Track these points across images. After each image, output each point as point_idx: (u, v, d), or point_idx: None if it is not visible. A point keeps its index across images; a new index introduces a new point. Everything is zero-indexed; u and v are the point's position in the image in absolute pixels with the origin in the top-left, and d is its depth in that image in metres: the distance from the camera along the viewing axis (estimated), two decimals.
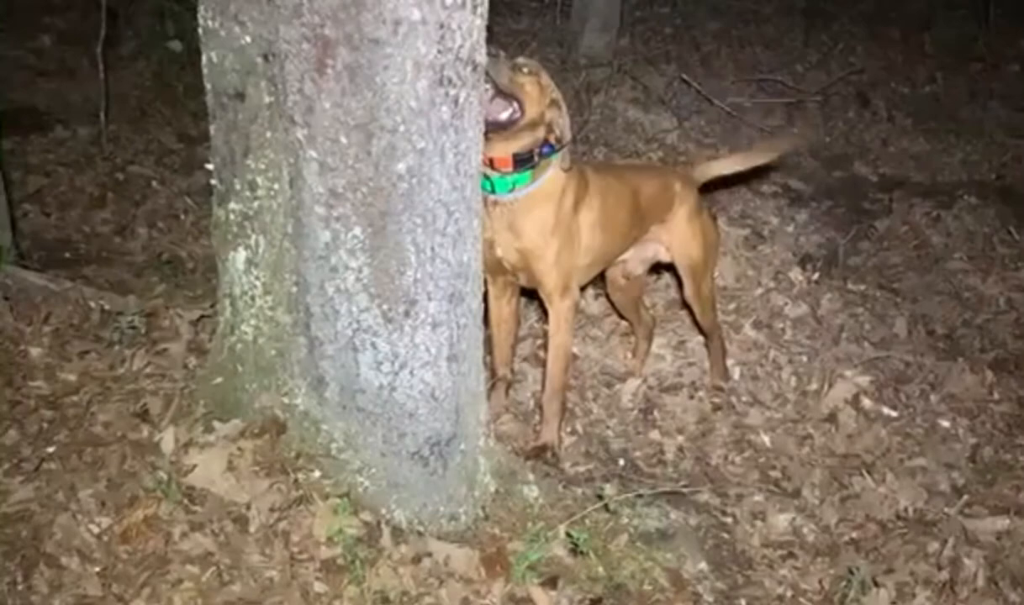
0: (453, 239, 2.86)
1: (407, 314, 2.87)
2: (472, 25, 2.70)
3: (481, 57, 2.77)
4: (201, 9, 2.91)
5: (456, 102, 2.73)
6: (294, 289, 2.95)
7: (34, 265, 4.08)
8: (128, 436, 3.04)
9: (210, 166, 3.07)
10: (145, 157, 5.57)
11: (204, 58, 2.95)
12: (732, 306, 4.88)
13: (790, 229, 5.82)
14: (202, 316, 3.62)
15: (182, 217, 5.01)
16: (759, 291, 5.02)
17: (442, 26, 2.62)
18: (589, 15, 7.38)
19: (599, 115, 6.75)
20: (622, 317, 4.48)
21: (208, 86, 2.97)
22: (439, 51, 2.64)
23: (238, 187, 2.99)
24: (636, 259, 4.15)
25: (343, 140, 2.68)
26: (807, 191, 6.45)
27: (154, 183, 5.29)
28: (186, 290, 4.24)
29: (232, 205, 3.03)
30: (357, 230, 2.78)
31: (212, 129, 3.00)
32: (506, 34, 7.34)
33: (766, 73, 7.73)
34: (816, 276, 5.24)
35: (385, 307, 2.85)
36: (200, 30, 2.94)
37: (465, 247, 2.91)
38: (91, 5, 5.63)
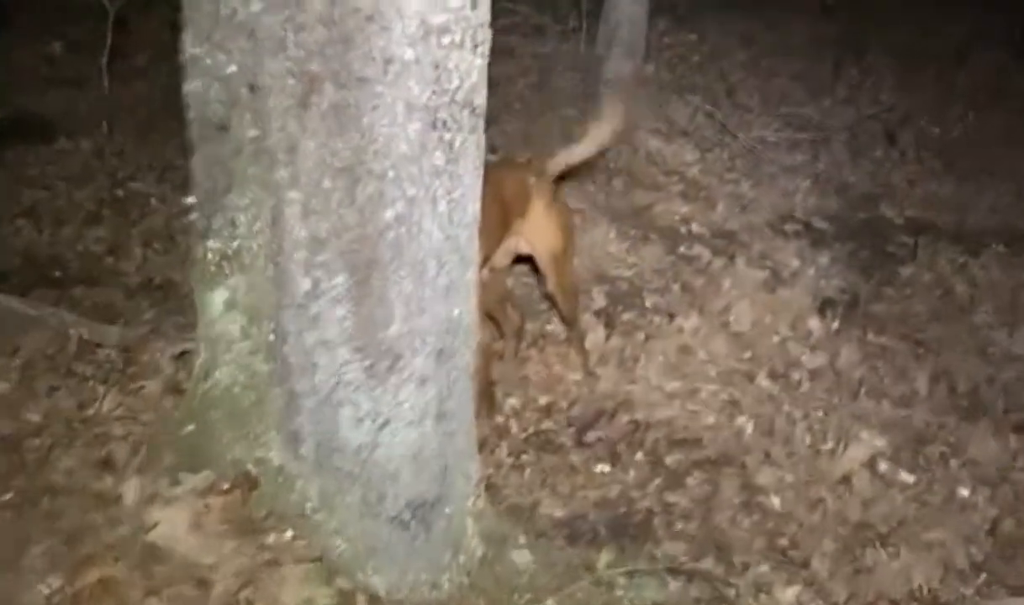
0: (444, 291, 2.67)
1: (391, 369, 2.67)
2: (471, 66, 2.52)
3: (480, 99, 2.58)
4: (185, 35, 2.72)
5: (451, 147, 2.54)
6: (272, 337, 2.75)
7: (19, 285, 3.88)
8: (89, 486, 2.85)
9: (191, 200, 2.87)
10: (147, 172, 5.41)
11: (186, 86, 2.76)
12: (747, 354, 4.68)
13: (811, 272, 5.60)
14: (184, 352, 3.42)
15: (178, 238, 4.83)
16: (775, 339, 4.81)
17: (437, 66, 2.44)
18: (615, 41, 7.17)
19: (622, 143, 6.54)
20: (490, 318, 4.36)
21: (190, 116, 2.79)
22: (434, 92, 2.46)
23: (218, 224, 2.81)
24: (500, 252, 4.10)
25: (327, 183, 2.49)
26: (830, 231, 6.23)
27: (153, 200, 5.12)
28: (177, 316, 4.05)
29: (211, 242, 2.84)
30: (340, 279, 2.59)
31: (193, 162, 2.82)
32: (530, 57, 7.16)
33: (793, 107, 7.52)
34: (836, 324, 5.03)
35: (368, 362, 2.66)
36: (183, 57, 2.75)
37: (457, 300, 2.72)
38: (105, 13, 5.47)
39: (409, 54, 2.40)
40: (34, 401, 3.16)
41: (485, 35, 2.55)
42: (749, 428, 4.24)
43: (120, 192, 5.13)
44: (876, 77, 8.31)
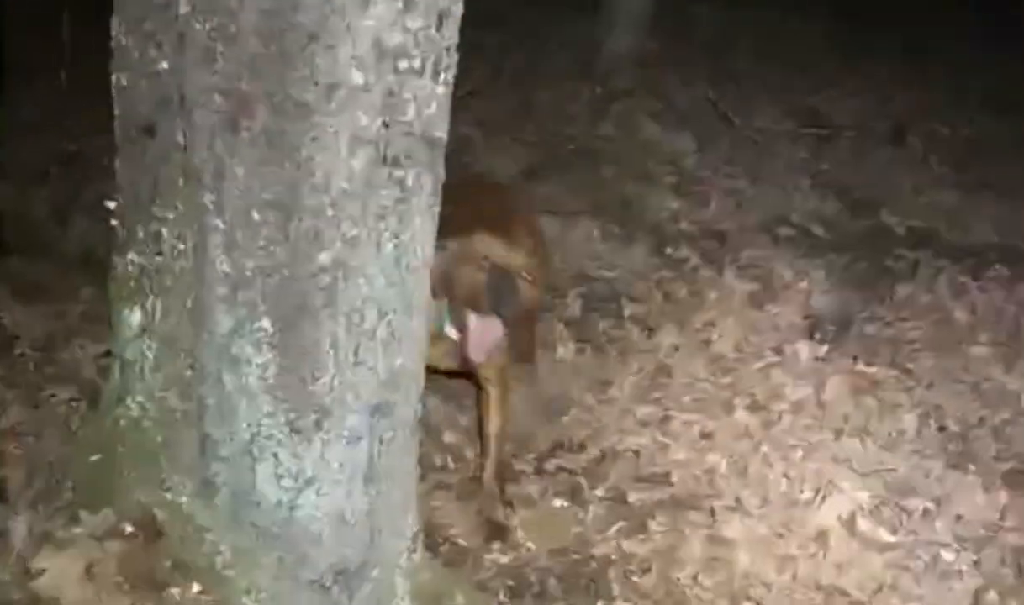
0: (384, 343, 2.35)
1: (318, 425, 2.36)
2: (432, 94, 2.17)
3: (441, 132, 2.24)
4: (114, 21, 2.37)
5: (402, 184, 2.21)
6: (189, 372, 2.42)
7: None
8: None
9: (111, 204, 2.53)
10: (108, 123, 5.01)
11: (114, 79, 2.41)
12: (727, 379, 4.38)
13: (803, 285, 5.29)
14: (110, 352, 3.09)
15: None
16: (759, 364, 4.50)
17: (392, 94, 2.08)
18: (617, 14, 6.80)
19: (614, 128, 6.23)
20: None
21: (116, 112, 2.43)
22: (385, 124, 2.10)
23: (140, 235, 2.49)
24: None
25: (256, 216, 2.17)
26: (827, 239, 5.91)
27: (107, 159, 4.72)
28: None
29: (131, 255, 2.53)
30: (265, 322, 2.27)
31: (118, 164, 2.48)
32: (523, 26, 6.79)
33: (798, 97, 7.17)
34: (825, 349, 4.70)
35: (292, 415, 2.35)
36: (113, 45, 2.40)
37: (399, 352, 2.40)
38: None
39: (358, 79, 2.06)
40: None
41: (451, 60, 2.21)
42: (722, 466, 3.95)
43: (73, 147, 4.73)
44: (887, 73, 7.94)
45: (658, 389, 4.27)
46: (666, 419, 4.14)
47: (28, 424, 2.88)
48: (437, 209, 2.39)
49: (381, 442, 2.48)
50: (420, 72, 2.13)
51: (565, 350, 4.35)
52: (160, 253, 2.46)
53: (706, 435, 4.09)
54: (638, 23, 6.94)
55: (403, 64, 2.09)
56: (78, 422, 2.96)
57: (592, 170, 5.73)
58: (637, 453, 3.96)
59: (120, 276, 2.56)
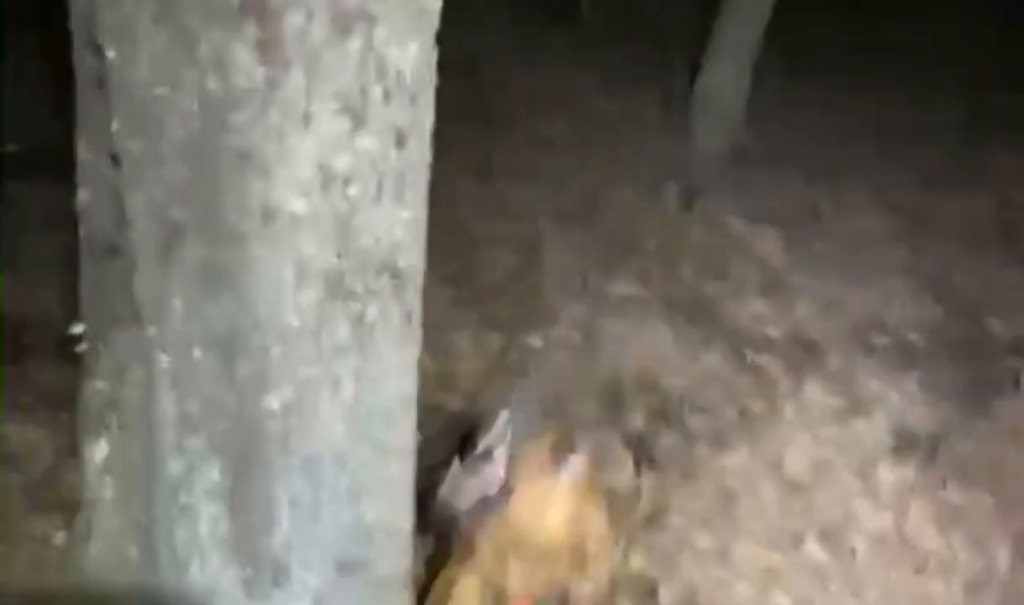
0: (348, 495, 2.07)
1: (276, 583, 2.08)
2: (393, 221, 1.91)
3: (409, 260, 1.98)
4: (78, 133, 2.17)
5: (361, 320, 1.94)
6: (143, 519, 2.18)
7: None
8: None
9: (79, 329, 2.32)
10: None
11: (79, 193, 2.21)
12: (799, 506, 4.00)
13: (894, 399, 4.88)
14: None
15: None
16: (836, 491, 4.12)
17: (343, 222, 1.83)
18: (709, 107, 6.52)
19: (700, 224, 5.91)
20: None
21: (80, 231, 2.23)
22: (338, 255, 1.85)
23: (105, 364, 2.25)
24: None
25: (197, 354, 1.92)
26: (923, 347, 5.48)
27: None
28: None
29: (97, 383, 2.29)
30: (215, 471, 2.01)
31: (81, 285, 2.26)
32: (606, 114, 6.55)
33: (901, 192, 6.77)
34: (911, 473, 4.30)
35: (248, 571, 2.07)
36: (77, 159, 2.20)
37: (369, 503, 2.12)
38: None
39: (300, 206, 1.81)
40: None
41: (417, 179, 1.95)
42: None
43: None
44: (1002, 166, 7.49)
45: (722, 516, 3.91)
46: (727, 551, 3.78)
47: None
48: (414, 339, 2.11)
49: (353, 602, 2.18)
50: (377, 199, 1.87)
51: (622, 471, 4.02)
52: (125, 384, 2.23)
53: (770, 572, 3.72)
54: (732, 118, 6.63)
55: (353, 190, 1.83)
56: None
57: (667, 267, 5.41)
58: (693, 590, 3.61)
59: (87, 405, 2.33)
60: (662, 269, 5.49)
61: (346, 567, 2.15)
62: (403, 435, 2.19)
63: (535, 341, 4.77)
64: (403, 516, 2.26)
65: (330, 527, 2.11)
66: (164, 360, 1.99)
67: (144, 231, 1.90)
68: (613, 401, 4.38)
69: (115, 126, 1.86)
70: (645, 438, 4.26)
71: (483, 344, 4.65)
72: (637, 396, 4.52)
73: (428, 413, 3.97)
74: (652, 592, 3.53)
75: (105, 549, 2.35)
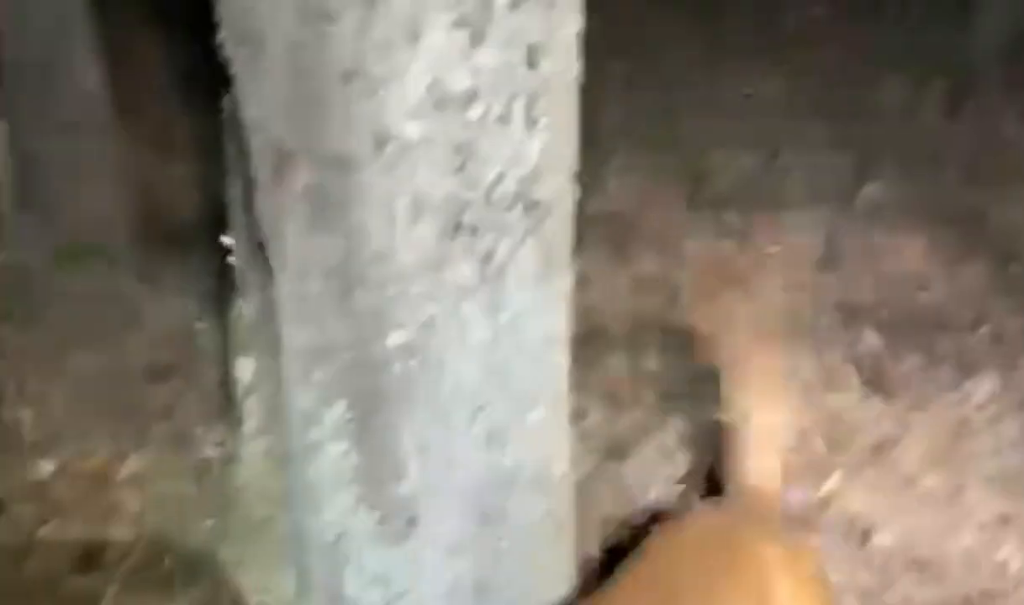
0: (484, 441, 1.89)
1: (408, 531, 1.94)
2: (525, 147, 1.67)
3: (547, 191, 1.75)
4: None
5: (489, 258, 1.73)
6: (280, 449, 2.09)
7: None
8: None
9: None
10: None
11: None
12: None
13: None
14: None
15: None
16: None
17: (461, 150, 1.61)
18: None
19: (968, 128, 5.39)
20: None
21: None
22: (458, 186, 1.64)
23: (250, 284, 2.14)
24: None
25: (314, 286, 1.76)
26: None
27: None
28: None
29: (245, 302, 2.19)
30: (340, 405, 1.87)
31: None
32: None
33: None
34: None
35: (378, 514, 1.94)
36: None
37: (508, 448, 1.93)
38: None
39: (413, 130, 1.60)
40: None
41: (558, 100, 1.71)
42: (1015, 562, 3.23)
43: None
44: None
45: (956, 453, 3.54)
46: (957, 494, 3.43)
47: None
48: (559, 274, 1.90)
49: (494, 553, 2.02)
50: (504, 120, 1.64)
51: (847, 395, 3.70)
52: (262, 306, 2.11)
53: (1004, 520, 3.34)
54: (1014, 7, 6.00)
55: (474, 112, 1.61)
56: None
57: (932, 172, 4.95)
58: (914, 537, 3.29)
59: (237, 320, 2.24)
60: (923, 174, 5.02)
61: (487, 517, 1.98)
62: (550, 378, 1.98)
63: (771, 248, 4.46)
64: (551, 463, 2.06)
65: (465, 476, 1.94)
66: (285, 287, 1.84)
67: (257, 149, 1.74)
68: (850, 316, 4.02)
69: (222, 30, 1.70)
70: (881, 359, 3.90)
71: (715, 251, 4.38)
72: (877, 311, 4.15)
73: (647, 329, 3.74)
74: (866, 535, 3.22)
75: (249, 474, 2.25)
